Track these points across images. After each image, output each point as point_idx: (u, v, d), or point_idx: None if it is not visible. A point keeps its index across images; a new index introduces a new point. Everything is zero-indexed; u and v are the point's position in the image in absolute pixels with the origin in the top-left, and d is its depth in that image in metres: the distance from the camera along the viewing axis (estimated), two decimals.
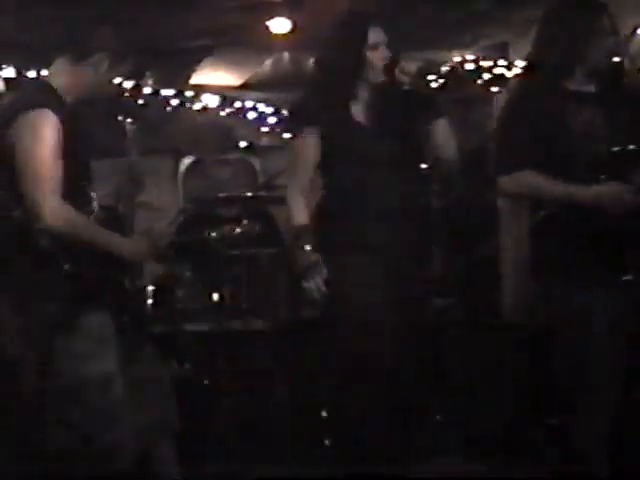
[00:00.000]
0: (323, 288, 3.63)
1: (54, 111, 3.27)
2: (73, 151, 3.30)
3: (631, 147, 3.33)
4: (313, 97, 3.85)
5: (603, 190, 3.27)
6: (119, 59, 3.49)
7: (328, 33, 3.84)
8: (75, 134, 3.34)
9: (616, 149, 3.34)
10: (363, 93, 3.76)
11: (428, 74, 3.75)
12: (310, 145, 3.77)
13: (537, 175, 3.35)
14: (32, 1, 5.76)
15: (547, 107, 3.36)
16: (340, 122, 3.74)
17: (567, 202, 3.32)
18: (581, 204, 3.29)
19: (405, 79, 3.72)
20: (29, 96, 3.40)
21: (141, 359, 3.48)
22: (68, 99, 3.39)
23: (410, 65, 3.72)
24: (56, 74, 3.44)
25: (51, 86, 3.39)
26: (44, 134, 3.24)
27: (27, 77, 6.06)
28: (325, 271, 3.63)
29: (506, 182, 3.44)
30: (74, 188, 3.28)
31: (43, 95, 3.35)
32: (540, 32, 3.51)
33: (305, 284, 3.66)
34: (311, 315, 4.62)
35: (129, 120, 3.68)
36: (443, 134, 3.80)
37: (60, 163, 3.24)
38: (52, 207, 3.19)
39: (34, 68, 6.05)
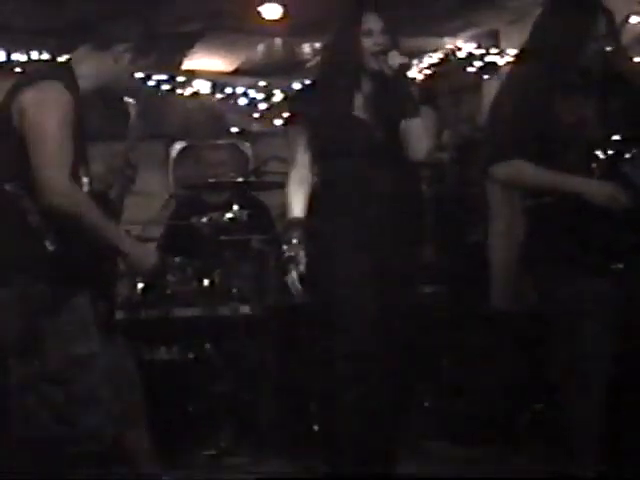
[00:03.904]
0: (297, 285, 3.68)
1: (67, 88, 3.25)
2: (75, 134, 3.28)
3: (622, 137, 3.34)
4: (315, 87, 3.89)
5: (594, 189, 3.29)
6: (142, 53, 3.48)
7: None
8: (80, 118, 3.31)
9: (608, 138, 3.35)
10: (364, 83, 3.77)
11: (410, 68, 3.73)
12: (306, 135, 3.79)
13: (529, 164, 3.37)
14: None
15: (539, 97, 3.37)
16: (339, 112, 3.75)
17: (557, 193, 3.34)
18: (571, 194, 3.30)
19: (389, 71, 3.72)
20: (46, 69, 3.37)
21: (112, 346, 3.47)
22: (84, 85, 3.37)
23: (397, 57, 3.70)
24: (77, 59, 3.42)
25: (71, 67, 3.37)
26: (56, 106, 3.20)
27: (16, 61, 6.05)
28: (302, 267, 3.67)
29: (498, 170, 3.45)
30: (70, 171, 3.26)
31: (60, 71, 3.34)
32: (537, 24, 3.53)
33: (285, 277, 3.73)
34: (300, 301, 4.64)
35: (133, 102, 3.65)
36: (416, 134, 3.72)
37: (69, 139, 3.22)
38: (59, 184, 3.15)
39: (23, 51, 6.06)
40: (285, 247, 3.73)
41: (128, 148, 3.65)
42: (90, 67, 3.40)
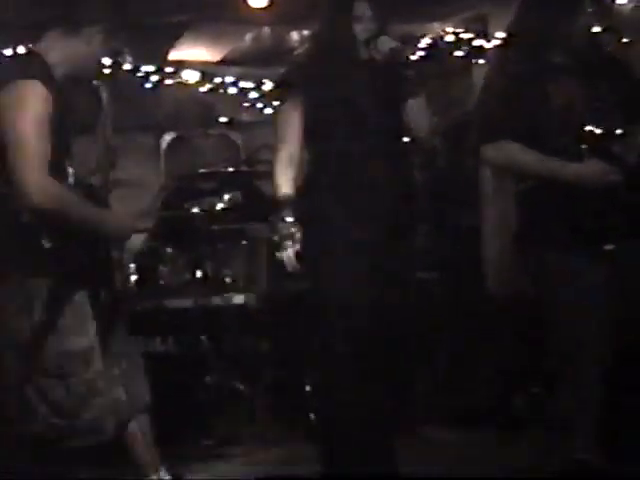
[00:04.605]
0: (294, 262, 3.67)
1: (44, 83, 3.21)
2: (58, 126, 3.25)
3: (613, 118, 3.35)
4: (304, 68, 3.86)
5: (584, 169, 3.29)
6: (112, 34, 3.44)
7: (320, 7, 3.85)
8: (61, 109, 3.28)
9: (598, 120, 3.35)
10: (357, 69, 3.76)
11: (404, 52, 3.73)
12: (296, 115, 3.78)
13: (520, 147, 3.36)
14: None
15: (527, 78, 3.37)
16: (329, 94, 3.74)
17: (548, 177, 3.34)
18: (562, 180, 3.31)
19: (379, 57, 3.71)
20: (18, 66, 3.33)
21: (114, 338, 3.47)
22: (58, 73, 3.34)
23: (387, 42, 3.70)
24: (47, 47, 3.37)
25: (42, 58, 3.32)
26: (32, 106, 3.16)
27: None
28: (298, 245, 3.67)
29: (489, 151, 3.45)
30: (53, 163, 3.22)
31: (33, 66, 3.29)
32: (522, 5, 3.53)
33: (279, 255, 3.71)
34: (295, 289, 4.64)
35: (102, 85, 3.59)
36: (417, 113, 3.78)
37: (46, 137, 3.20)
38: (38, 184, 3.13)
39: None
40: (280, 225, 3.73)
41: (103, 132, 3.61)
42: (61, 53, 3.35)
